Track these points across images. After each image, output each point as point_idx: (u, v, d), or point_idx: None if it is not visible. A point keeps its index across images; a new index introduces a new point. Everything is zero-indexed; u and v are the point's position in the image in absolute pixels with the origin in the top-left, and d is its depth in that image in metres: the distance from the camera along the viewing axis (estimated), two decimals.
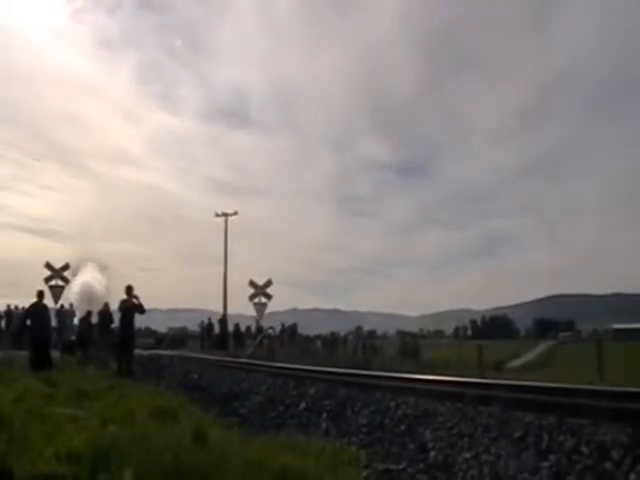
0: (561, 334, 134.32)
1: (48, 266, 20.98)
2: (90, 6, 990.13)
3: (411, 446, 4.59)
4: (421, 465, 4.19)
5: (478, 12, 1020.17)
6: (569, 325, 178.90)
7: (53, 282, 20.81)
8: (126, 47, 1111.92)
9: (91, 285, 13.36)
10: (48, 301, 14.33)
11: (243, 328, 29.16)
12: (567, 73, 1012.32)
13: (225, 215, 35.24)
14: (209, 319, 29.12)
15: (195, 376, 11.44)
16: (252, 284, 23.51)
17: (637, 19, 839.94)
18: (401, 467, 4.23)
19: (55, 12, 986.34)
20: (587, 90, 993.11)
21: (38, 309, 12.38)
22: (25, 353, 13.12)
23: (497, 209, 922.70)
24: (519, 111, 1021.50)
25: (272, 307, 24.42)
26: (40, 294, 12.58)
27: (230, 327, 29.07)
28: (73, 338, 17.72)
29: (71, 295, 15.46)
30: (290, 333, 31.43)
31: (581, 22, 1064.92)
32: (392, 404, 5.68)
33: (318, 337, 36.81)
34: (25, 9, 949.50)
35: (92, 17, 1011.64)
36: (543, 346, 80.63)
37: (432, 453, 4.33)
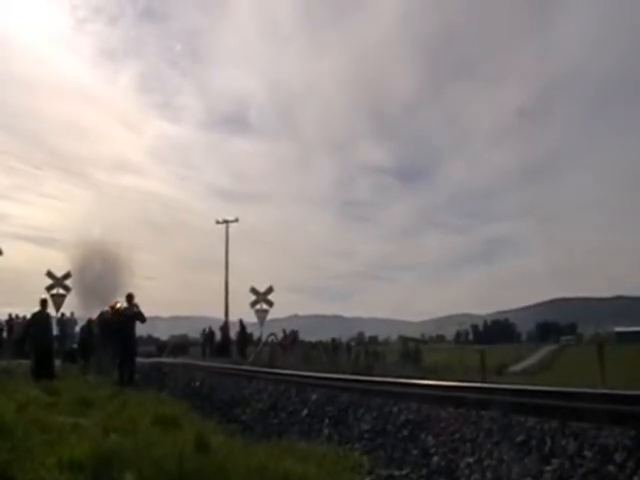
0: (563, 338, 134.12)
1: (49, 275, 21.00)
2: (92, 16, 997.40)
3: (414, 451, 4.58)
4: (424, 470, 4.18)
5: (477, 13, 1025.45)
6: (571, 329, 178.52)
7: (54, 291, 20.84)
8: (127, 56, 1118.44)
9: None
10: (49, 310, 14.34)
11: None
12: (567, 74, 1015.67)
13: (226, 222, 35.34)
14: (209, 327, 29.09)
15: (197, 383, 11.42)
16: (253, 291, 23.55)
17: (638, 19, 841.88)
18: (404, 473, 4.22)
19: (57, 22, 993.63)
20: (588, 91, 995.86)
21: (41, 318, 12.38)
22: (27, 362, 13.12)
23: (498, 212, 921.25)
24: (519, 112, 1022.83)
25: (273, 314, 24.42)
26: (43, 303, 12.58)
27: (232, 335, 29.07)
28: (75, 346, 17.73)
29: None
30: (291, 339, 31.40)
31: (582, 22, 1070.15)
32: (394, 409, 5.67)
33: (320, 343, 36.74)
34: (27, 19, 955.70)
35: (94, 27, 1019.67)
36: (545, 350, 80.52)
37: (435, 458, 4.32)
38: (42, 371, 11.27)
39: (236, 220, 35.65)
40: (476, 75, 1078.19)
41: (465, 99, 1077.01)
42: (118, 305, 12.74)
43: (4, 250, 17.48)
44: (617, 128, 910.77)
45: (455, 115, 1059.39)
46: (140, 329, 13.82)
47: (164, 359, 22.75)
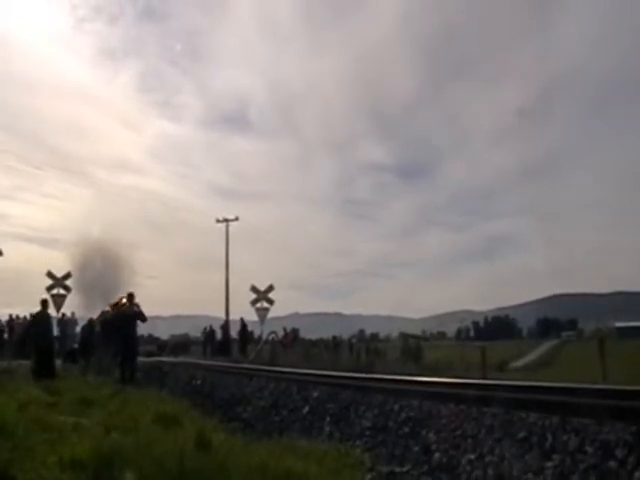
0: (564, 333, 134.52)
1: (50, 275, 20.99)
2: (92, 16, 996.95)
3: (415, 448, 4.58)
4: (425, 467, 4.18)
5: (477, 13, 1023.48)
6: (572, 324, 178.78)
7: (55, 291, 20.82)
8: (127, 55, 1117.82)
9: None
10: (50, 310, 14.34)
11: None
12: (567, 74, 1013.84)
13: (226, 221, 35.30)
14: (210, 325, 29.10)
15: (198, 382, 11.43)
16: (254, 289, 23.53)
17: (638, 19, 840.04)
18: (405, 470, 4.22)
19: (57, 22, 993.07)
20: (588, 91, 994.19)
21: (41, 318, 12.38)
22: (28, 362, 13.12)
23: (498, 210, 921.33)
24: (519, 112, 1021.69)
25: (274, 312, 24.43)
26: (44, 303, 12.58)
27: (233, 333, 29.06)
28: (76, 346, 17.74)
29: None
30: (292, 337, 31.41)
31: (582, 22, 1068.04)
32: (395, 407, 5.67)
33: (321, 341, 36.74)
34: (27, 19, 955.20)
35: (94, 26, 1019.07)
36: (546, 346, 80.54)
37: (436, 455, 4.32)
38: (43, 371, 11.27)
39: (236, 219, 35.63)
40: (476, 75, 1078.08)
41: (465, 99, 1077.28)
42: (124, 300, 12.70)
43: (4, 250, 17.46)
44: (617, 128, 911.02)
45: (455, 115, 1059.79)
46: (141, 328, 13.85)
47: (165, 358, 22.76)
